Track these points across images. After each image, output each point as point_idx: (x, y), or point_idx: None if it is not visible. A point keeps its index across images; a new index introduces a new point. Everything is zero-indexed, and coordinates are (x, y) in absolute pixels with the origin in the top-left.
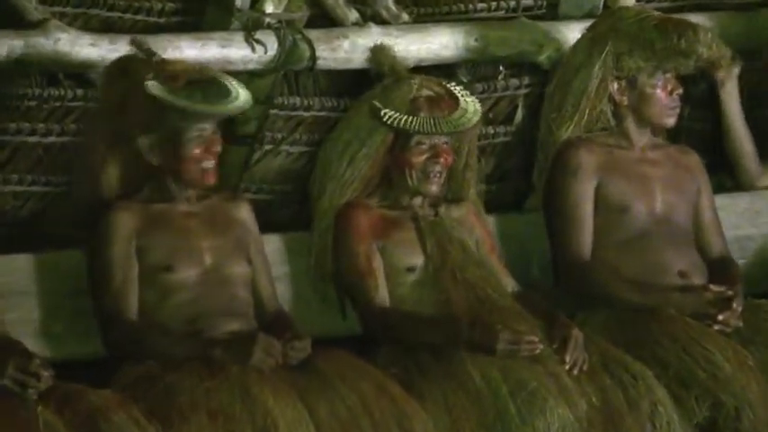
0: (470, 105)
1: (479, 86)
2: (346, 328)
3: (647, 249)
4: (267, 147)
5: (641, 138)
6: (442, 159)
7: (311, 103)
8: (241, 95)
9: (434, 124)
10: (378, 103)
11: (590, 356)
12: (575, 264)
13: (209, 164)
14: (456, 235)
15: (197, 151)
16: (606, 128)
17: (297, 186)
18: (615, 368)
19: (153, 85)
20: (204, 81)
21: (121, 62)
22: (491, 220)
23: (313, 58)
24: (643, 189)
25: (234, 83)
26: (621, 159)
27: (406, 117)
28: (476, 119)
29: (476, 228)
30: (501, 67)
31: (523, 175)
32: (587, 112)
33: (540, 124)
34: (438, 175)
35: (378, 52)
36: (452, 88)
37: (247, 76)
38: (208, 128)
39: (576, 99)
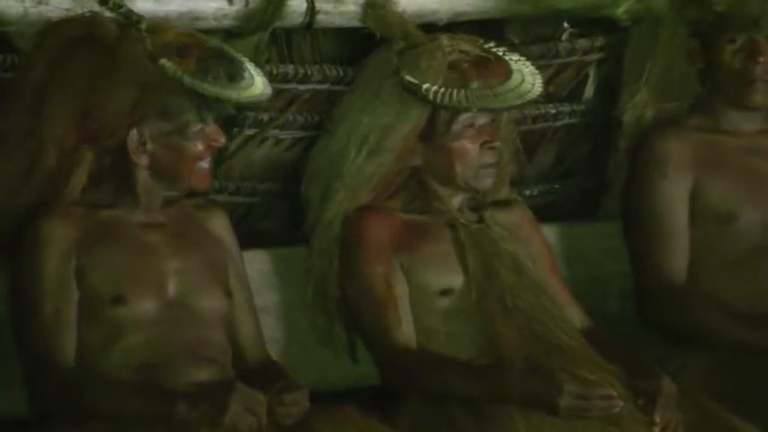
0: (524, 67)
1: (536, 49)
2: (357, 375)
3: (761, 271)
4: (249, 131)
5: (749, 121)
6: (497, 144)
7: (309, 72)
8: (256, 77)
9: (496, 97)
10: (411, 78)
11: (686, 415)
12: (665, 290)
13: (207, 163)
14: (507, 248)
15: (200, 148)
16: (703, 106)
17: (290, 185)
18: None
19: (171, 68)
20: (214, 57)
21: (89, 25)
22: (550, 231)
23: (311, 12)
24: (755, 190)
25: (241, 57)
26: (726, 150)
27: (455, 90)
28: (539, 84)
29: (533, 239)
30: (565, 24)
31: (596, 170)
32: (675, 84)
33: (618, 101)
34: (494, 165)
35: (371, 9)
36: (491, 47)
37: (222, 37)
38: (210, 119)
39: (661, 67)
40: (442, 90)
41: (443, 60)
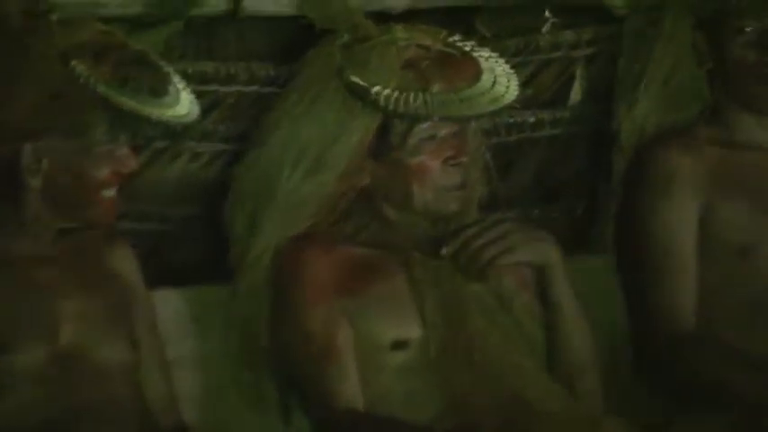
0: (496, 66)
1: (511, 44)
2: None
3: None
4: (159, 144)
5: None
6: (463, 160)
7: (233, 71)
8: (182, 94)
9: (462, 103)
10: (357, 79)
11: None
12: (670, 339)
13: (112, 192)
14: (474, 288)
15: (106, 173)
16: (713, 114)
17: (209, 210)
18: None
19: (84, 72)
20: (136, 64)
21: None
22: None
23: None
24: None
25: (168, 67)
26: (741, 167)
27: (412, 95)
28: (515, 86)
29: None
30: (547, 13)
31: (584, 192)
32: (680, 88)
33: (611, 107)
34: (460, 186)
35: None
36: (456, 41)
37: (127, 28)
38: (123, 139)
39: (663, 67)
40: (396, 94)
41: (398, 57)
